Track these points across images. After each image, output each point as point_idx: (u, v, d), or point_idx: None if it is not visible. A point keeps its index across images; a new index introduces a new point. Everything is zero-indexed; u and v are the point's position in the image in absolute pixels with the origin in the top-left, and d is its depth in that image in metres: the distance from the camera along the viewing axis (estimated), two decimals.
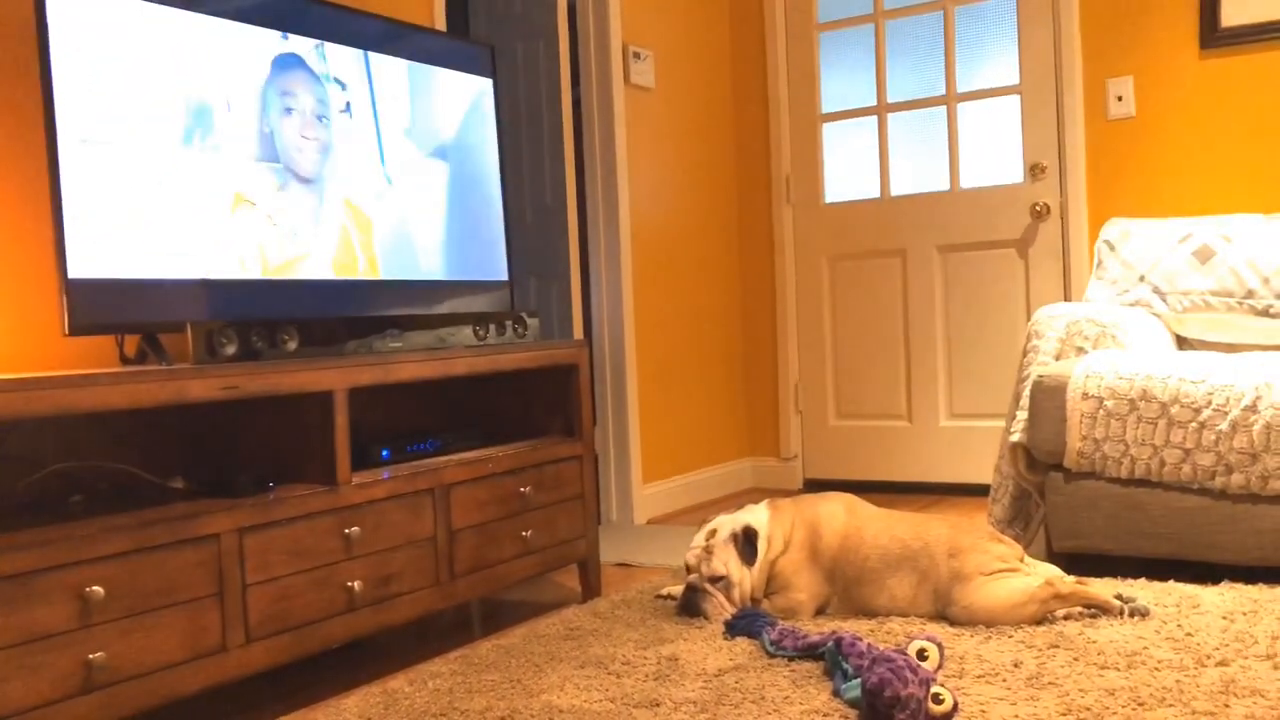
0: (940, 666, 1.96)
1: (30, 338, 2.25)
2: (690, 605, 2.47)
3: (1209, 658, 2.01)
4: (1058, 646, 2.11)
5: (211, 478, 2.17)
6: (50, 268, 2.27)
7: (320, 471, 2.20)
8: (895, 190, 4.41)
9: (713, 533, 2.50)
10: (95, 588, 1.73)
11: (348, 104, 2.55)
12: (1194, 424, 2.59)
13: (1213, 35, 3.77)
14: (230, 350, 2.07)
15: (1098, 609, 2.30)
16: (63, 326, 2.00)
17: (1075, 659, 2.04)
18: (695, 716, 1.87)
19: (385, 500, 2.27)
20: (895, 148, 4.42)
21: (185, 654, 1.87)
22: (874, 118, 4.45)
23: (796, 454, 4.63)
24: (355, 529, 2.19)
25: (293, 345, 2.20)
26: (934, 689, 1.78)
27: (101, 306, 2.05)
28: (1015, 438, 2.87)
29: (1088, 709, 1.80)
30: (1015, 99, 4.14)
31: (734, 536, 2.47)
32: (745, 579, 2.46)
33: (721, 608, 2.44)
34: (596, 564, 2.86)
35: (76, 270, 2.01)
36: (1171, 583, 2.54)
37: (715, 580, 2.45)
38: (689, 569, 2.51)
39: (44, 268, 2.28)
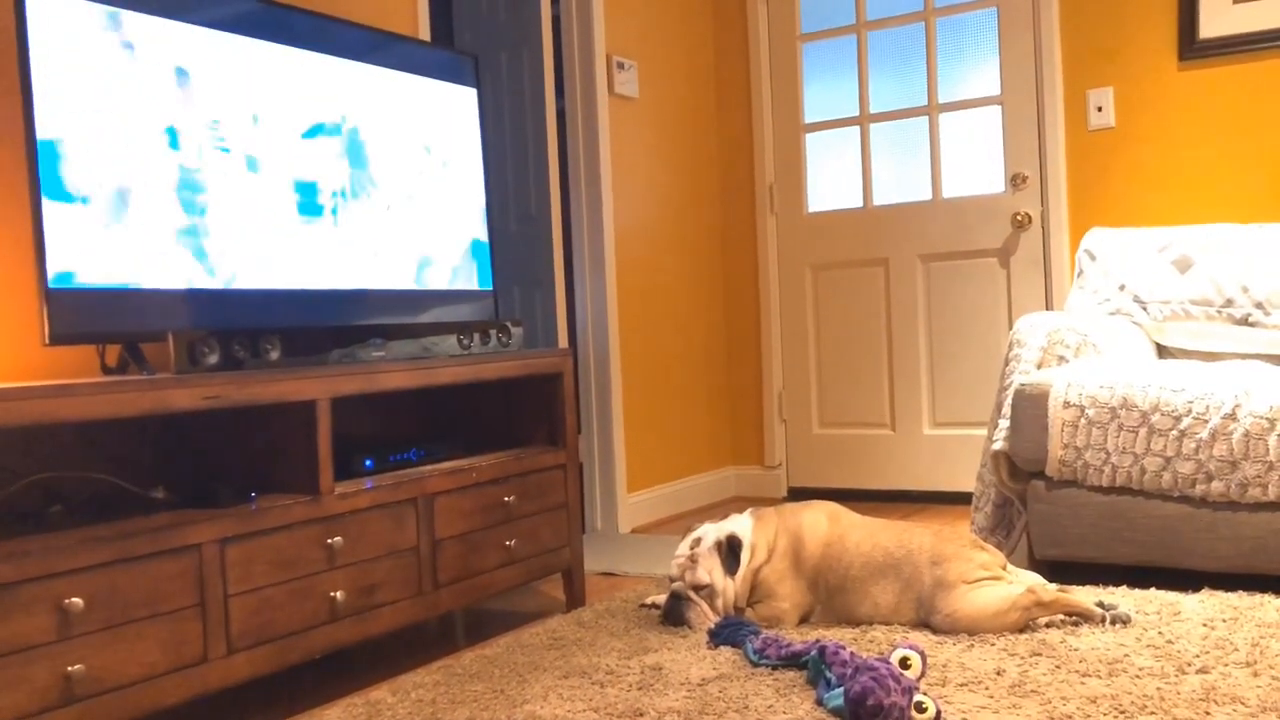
0: (923, 675, 1.96)
1: (10, 347, 2.24)
2: (674, 614, 2.47)
3: (1190, 665, 2.02)
4: (1040, 654, 2.12)
5: (193, 488, 2.16)
6: (30, 276, 2.26)
7: (303, 481, 2.19)
8: (878, 200, 4.43)
9: (697, 541, 2.50)
10: (75, 599, 1.72)
11: (332, 112, 2.55)
12: (1174, 432, 2.61)
13: (1191, 46, 3.81)
14: (212, 360, 2.06)
15: (1079, 617, 2.31)
16: (43, 336, 1.99)
17: (1057, 667, 2.05)
18: None
19: (368, 510, 2.26)
20: (878, 157, 4.44)
21: (166, 665, 1.86)
22: (856, 128, 4.47)
23: (780, 462, 4.64)
24: (338, 539, 2.18)
25: (275, 355, 2.19)
26: (917, 697, 1.79)
27: (82, 316, 2.04)
28: (997, 446, 2.88)
29: (1070, 717, 1.80)
30: (996, 109, 4.17)
31: (718, 545, 2.47)
32: (729, 588, 2.46)
33: (705, 616, 2.44)
34: (580, 573, 2.86)
35: (57, 279, 2.00)
36: (1153, 590, 2.56)
37: (699, 589, 2.45)
38: (673, 578, 2.51)
39: (23, 276, 2.26)
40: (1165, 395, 2.64)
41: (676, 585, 2.49)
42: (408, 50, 2.78)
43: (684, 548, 2.51)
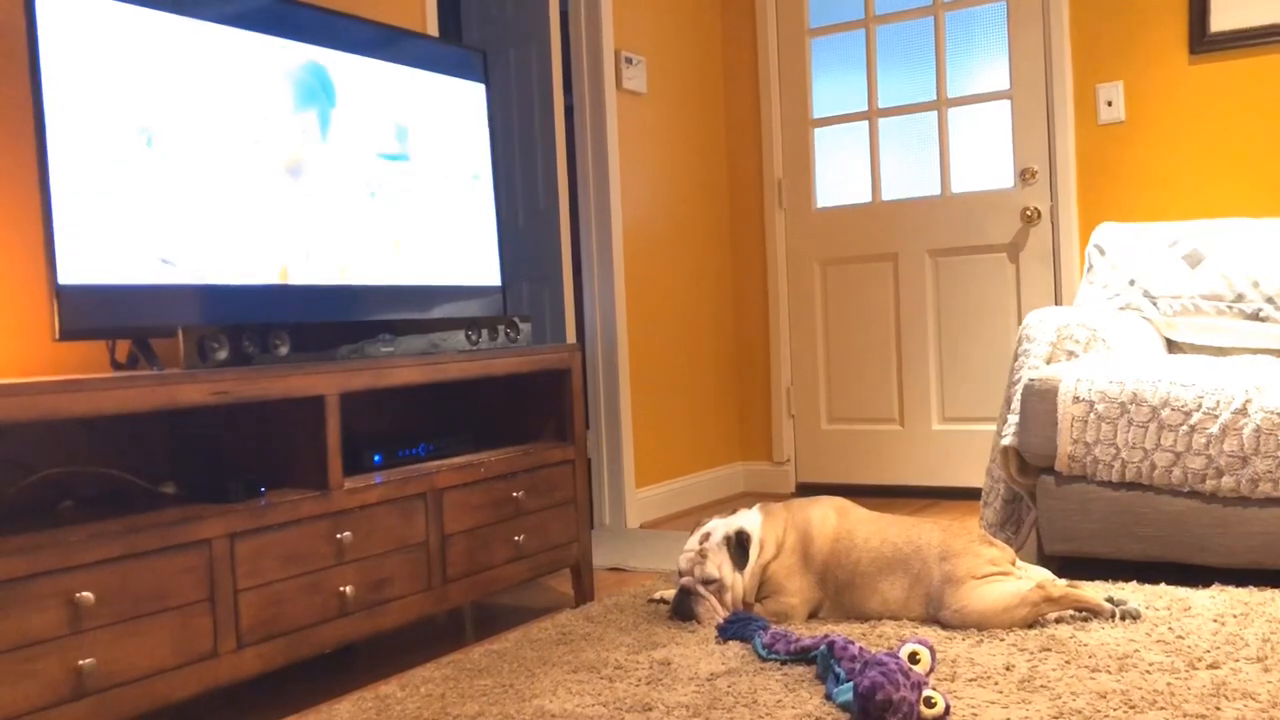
0: (932, 670, 1.96)
1: (20, 343, 2.25)
2: (683, 608, 2.47)
3: (1200, 660, 2.02)
4: (1049, 649, 2.12)
5: (203, 483, 2.16)
6: (40, 272, 2.27)
7: (312, 476, 2.19)
8: (886, 195, 4.42)
9: (706, 536, 2.50)
10: (85, 593, 1.73)
11: (342, 109, 2.55)
12: (1184, 427, 2.60)
13: (1201, 40, 3.79)
14: (222, 355, 2.07)
15: (1089, 612, 2.30)
16: (53, 331, 2.00)
17: (1067, 662, 2.04)
18: None
19: (377, 505, 2.27)
20: (886, 153, 4.43)
21: (176, 660, 1.86)
22: (865, 123, 4.46)
23: (789, 458, 4.63)
24: (347, 534, 2.19)
25: (285, 350, 2.20)
26: (926, 692, 1.78)
27: (92, 311, 2.04)
28: (1007, 441, 2.88)
29: (1079, 712, 1.80)
30: (1006, 104, 4.16)
31: (726, 540, 2.47)
32: (737, 583, 2.46)
33: (714, 611, 2.44)
34: (589, 568, 2.86)
35: (66, 275, 2.00)
36: (1162, 585, 2.55)
37: (708, 583, 2.45)
38: (682, 572, 2.51)
39: (34, 272, 2.27)
40: (1175, 390, 2.63)
41: (685, 580, 2.49)
42: (416, 46, 2.78)
43: (693, 542, 2.51)
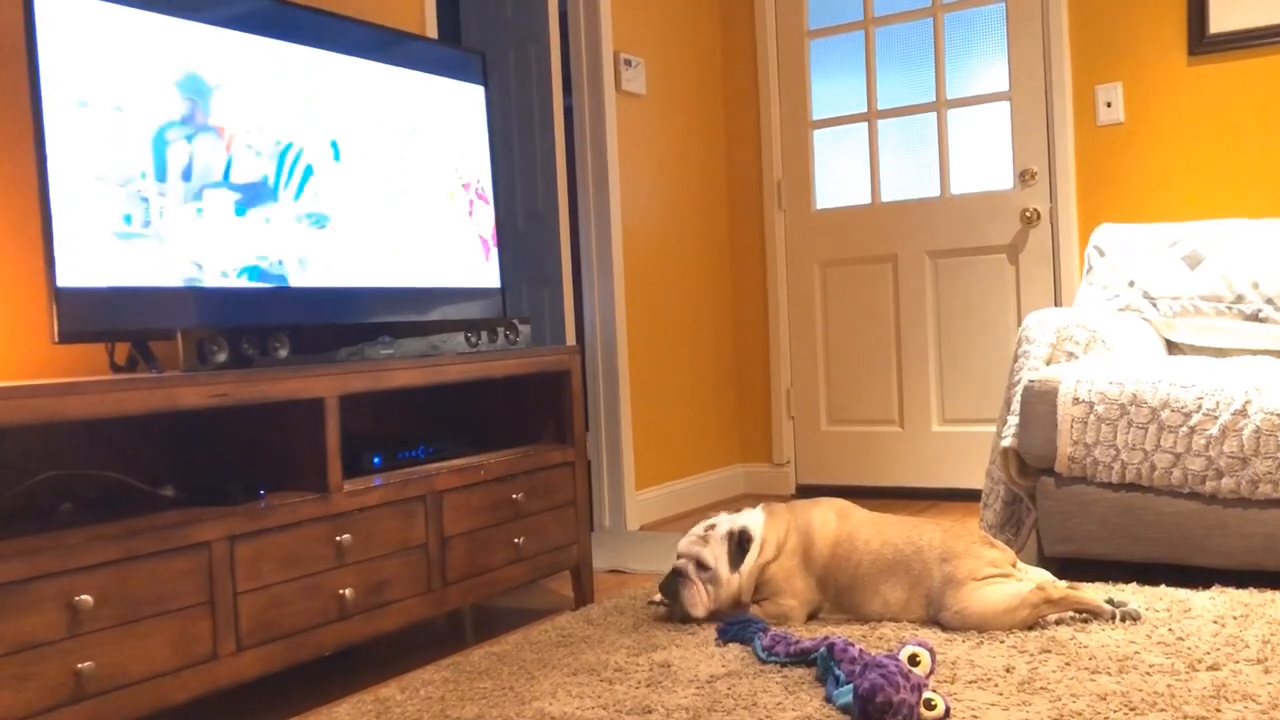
0: (932, 672, 1.96)
1: (20, 345, 2.25)
2: (670, 588, 2.48)
3: (1200, 662, 2.02)
4: (1049, 651, 2.12)
5: (202, 485, 2.16)
6: (39, 275, 2.27)
7: (312, 479, 2.19)
8: (886, 196, 4.42)
9: (711, 526, 2.51)
10: (85, 596, 1.73)
11: (340, 110, 2.55)
12: (1184, 429, 2.60)
13: (1201, 41, 3.79)
14: (221, 358, 2.06)
15: (1089, 614, 2.30)
16: (52, 334, 2.00)
17: (1067, 664, 2.04)
18: None
19: (377, 507, 2.27)
20: (886, 154, 4.43)
21: (176, 663, 1.86)
22: (864, 124, 4.46)
23: (789, 459, 4.63)
24: (347, 536, 2.19)
25: (284, 352, 2.20)
26: (926, 694, 1.78)
27: (91, 314, 2.04)
28: (1006, 443, 2.87)
29: (1079, 714, 1.80)
30: (1005, 105, 4.16)
31: (729, 535, 2.47)
32: (733, 581, 2.46)
33: (699, 597, 2.44)
34: (589, 570, 2.86)
35: (65, 278, 2.00)
36: (1162, 587, 2.55)
37: (703, 568, 2.45)
38: (680, 553, 2.51)
39: (33, 275, 2.27)
40: (1175, 391, 2.63)
41: (680, 561, 2.49)
42: (415, 48, 2.78)
43: (698, 529, 2.52)
